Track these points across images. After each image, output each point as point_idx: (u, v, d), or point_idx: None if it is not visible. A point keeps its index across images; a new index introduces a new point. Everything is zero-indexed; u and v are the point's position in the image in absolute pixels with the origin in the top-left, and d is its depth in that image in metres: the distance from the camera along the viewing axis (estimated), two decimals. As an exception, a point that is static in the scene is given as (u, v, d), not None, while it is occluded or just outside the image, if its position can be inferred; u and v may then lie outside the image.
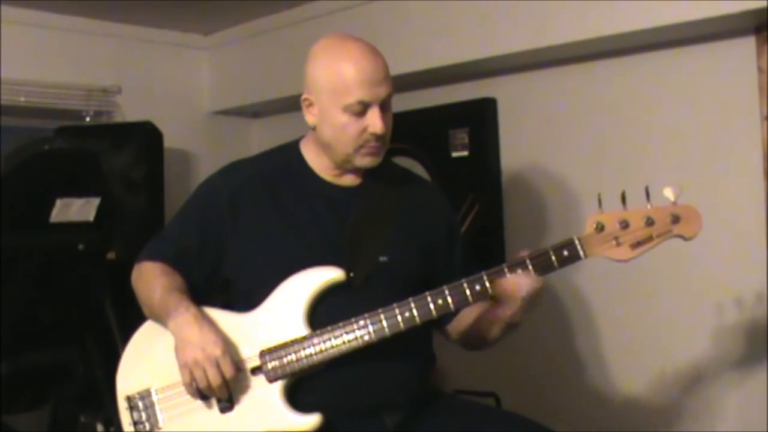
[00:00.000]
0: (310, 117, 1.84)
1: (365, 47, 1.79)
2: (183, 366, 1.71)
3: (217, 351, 1.68)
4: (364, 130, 1.77)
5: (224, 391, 1.72)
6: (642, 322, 2.81)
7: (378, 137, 1.78)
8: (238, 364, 1.72)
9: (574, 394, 2.97)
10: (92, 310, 2.94)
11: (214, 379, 1.68)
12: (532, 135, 3.09)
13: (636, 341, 2.83)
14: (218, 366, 1.68)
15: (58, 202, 2.78)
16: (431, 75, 3.22)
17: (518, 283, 1.69)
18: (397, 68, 3.21)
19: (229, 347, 1.71)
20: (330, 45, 1.82)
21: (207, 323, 1.73)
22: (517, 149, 3.14)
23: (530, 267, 1.70)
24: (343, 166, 1.85)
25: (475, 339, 1.92)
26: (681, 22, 2.46)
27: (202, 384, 1.69)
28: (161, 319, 1.78)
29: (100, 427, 2.84)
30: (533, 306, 1.72)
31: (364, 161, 1.82)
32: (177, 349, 1.72)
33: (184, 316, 1.73)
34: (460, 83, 3.27)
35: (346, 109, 1.76)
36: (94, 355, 2.94)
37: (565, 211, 2.98)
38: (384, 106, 1.79)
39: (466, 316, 1.90)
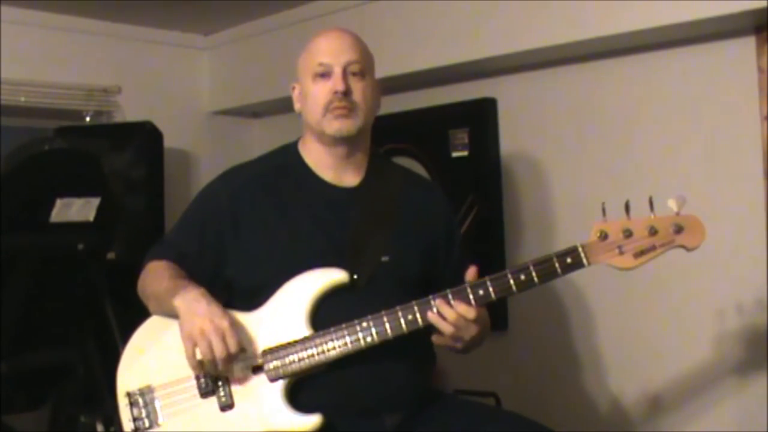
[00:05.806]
0: (297, 103, 1.91)
1: (341, 29, 1.88)
2: (187, 337, 1.68)
3: (224, 323, 1.67)
4: (329, 92, 1.81)
5: (227, 367, 1.70)
6: (642, 325, 2.80)
7: (342, 97, 1.80)
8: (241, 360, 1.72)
9: (574, 394, 2.97)
10: (92, 310, 2.94)
11: (220, 352, 1.66)
12: (532, 135, 3.09)
13: (636, 343, 2.82)
14: (224, 339, 1.67)
15: (58, 202, 2.78)
16: (431, 75, 3.22)
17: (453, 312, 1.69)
18: (397, 68, 3.22)
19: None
20: (313, 34, 1.90)
21: (214, 300, 1.73)
22: (517, 149, 3.14)
23: (470, 296, 1.69)
24: (322, 140, 1.86)
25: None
26: (681, 22, 2.46)
27: (207, 356, 1.67)
28: (168, 302, 1.75)
29: (100, 427, 2.83)
30: (464, 335, 1.71)
31: (332, 127, 1.82)
32: (183, 322, 1.70)
33: (193, 292, 1.73)
34: (460, 83, 3.27)
35: (314, 77, 1.83)
36: (94, 355, 2.94)
37: (564, 210, 2.98)
38: (352, 74, 1.82)
39: None
